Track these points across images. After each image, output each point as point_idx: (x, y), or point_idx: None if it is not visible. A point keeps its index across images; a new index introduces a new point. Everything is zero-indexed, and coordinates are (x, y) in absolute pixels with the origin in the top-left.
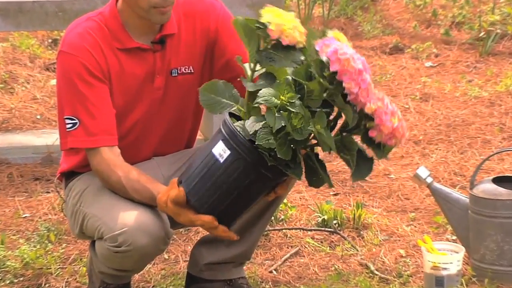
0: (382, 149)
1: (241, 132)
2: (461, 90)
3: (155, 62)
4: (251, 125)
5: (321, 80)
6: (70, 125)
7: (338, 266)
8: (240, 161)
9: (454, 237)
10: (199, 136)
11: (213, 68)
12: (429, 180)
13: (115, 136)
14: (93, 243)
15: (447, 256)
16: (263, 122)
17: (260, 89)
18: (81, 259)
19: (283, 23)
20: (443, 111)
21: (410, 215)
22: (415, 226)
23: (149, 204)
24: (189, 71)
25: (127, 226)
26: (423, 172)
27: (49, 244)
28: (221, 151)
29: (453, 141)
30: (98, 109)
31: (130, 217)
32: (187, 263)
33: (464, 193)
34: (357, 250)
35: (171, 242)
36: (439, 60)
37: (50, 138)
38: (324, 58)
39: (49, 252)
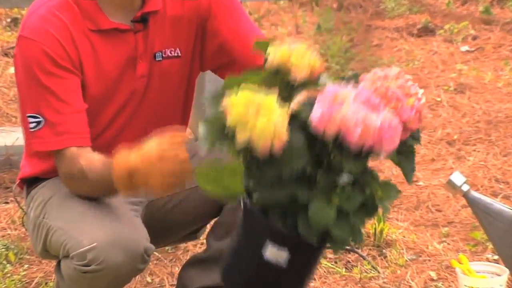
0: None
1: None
2: (504, 79)
3: (137, 45)
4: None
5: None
6: (34, 124)
7: None
8: (303, 255)
9: (496, 257)
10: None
11: (205, 52)
12: (465, 188)
13: (86, 136)
14: (59, 264)
15: (487, 279)
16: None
17: None
18: (46, 283)
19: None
20: (482, 105)
21: (442, 230)
22: (449, 244)
23: (108, 188)
24: (175, 55)
25: (98, 240)
26: (458, 178)
27: (7, 265)
28: (275, 254)
29: (494, 141)
30: (65, 104)
31: (101, 229)
32: None
33: (508, 204)
34: (379, 272)
35: (155, 261)
36: (478, 44)
37: (9, 137)
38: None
39: (8, 275)
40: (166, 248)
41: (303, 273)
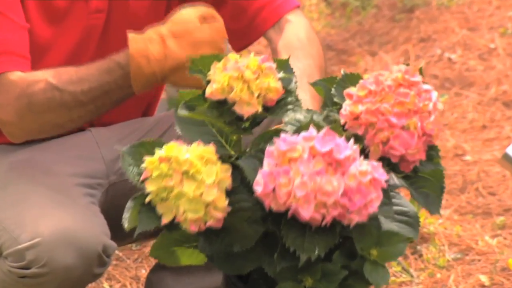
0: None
1: None
2: None
3: None
4: None
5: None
6: None
7: None
8: None
9: None
10: (164, 95)
11: None
12: None
13: (28, 61)
14: None
15: None
16: None
17: None
18: None
19: None
20: None
21: (496, 220)
22: (505, 238)
23: (107, 92)
24: None
25: (41, 235)
26: None
27: None
28: None
29: None
30: (4, 17)
31: (46, 221)
32: None
33: None
34: (412, 277)
35: (114, 262)
36: None
37: None
38: None
39: None
40: (131, 245)
41: None
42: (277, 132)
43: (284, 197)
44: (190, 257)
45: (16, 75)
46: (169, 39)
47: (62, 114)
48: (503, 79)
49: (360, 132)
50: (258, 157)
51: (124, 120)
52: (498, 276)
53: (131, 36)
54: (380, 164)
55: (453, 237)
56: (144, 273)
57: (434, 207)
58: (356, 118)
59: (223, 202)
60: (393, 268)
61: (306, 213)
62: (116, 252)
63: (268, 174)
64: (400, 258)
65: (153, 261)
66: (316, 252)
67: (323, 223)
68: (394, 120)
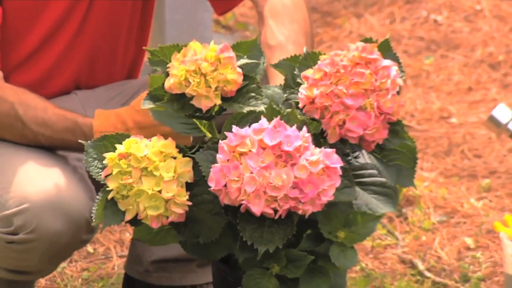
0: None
1: None
2: None
3: None
4: None
5: None
6: None
7: (367, 264)
8: None
9: None
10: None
11: None
12: None
13: None
14: None
15: None
16: None
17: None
18: None
19: None
20: None
21: (482, 182)
22: (491, 201)
23: (65, 146)
24: None
25: (29, 200)
26: (503, 113)
27: None
28: None
29: None
30: None
31: (34, 186)
32: (124, 260)
33: None
34: (397, 239)
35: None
36: None
37: None
38: None
39: None
40: None
41: None
42: (249, 114)
43: (236, 193)
44: (174, 237)
45: None
46: (134, 130)
47: (17, 138)
48: (489, 41)
49: (316, 116)
50: (216, 150)
51: (109, 82)
52: (484, 238)
53: (98, 113)
54: (333, 150)
55: (439, 200)
56: (128, 236)
57: (407, 180)
58: (312, 102)
59: (183, 197)
60: (379, 231)
61: (257, 208)
62: None
63: (219, 170)
64: (385, 221)
65: None
66: (274, 243)
67: (277, 216)
68: (349, 102)
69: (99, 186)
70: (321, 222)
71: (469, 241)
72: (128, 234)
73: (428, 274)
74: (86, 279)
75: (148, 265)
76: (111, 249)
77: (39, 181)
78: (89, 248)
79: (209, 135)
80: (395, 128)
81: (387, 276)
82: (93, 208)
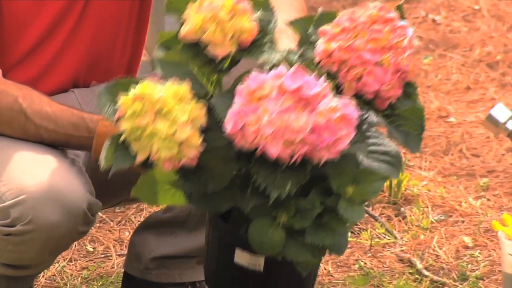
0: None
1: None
2: None
3: None
4: None
5: None
6: None
7: (365, 263)
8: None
9: None
10: (144, 56)
11: None
12: (510, 125)
13: None
14: None
15: None
16: None
17: None
18: None
19: None
20: None
21: (480, 181)
22: (489, 199)
23: (67, 141)
24: None
25: (26, 192)
26: (501, 112)
27: None
28: (249, 260)
29: None
30: None
31: (31, 178)
32: (123, 258)
33: None
34: (395, 238)
35: (97, 225)
36: None
37: None
38: None
39: None
40: (114, 208)
41: (290, 275)
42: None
43: (252, 135)
44: (172, 197)
45: None
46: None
47: (18, 132)
48: (487, 40)
49: (333, 69)
50: (232, 96)
51: (107, 80)
52: (482, 237)
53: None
54: (351, 100)
55: (437, 199)
56: (127, 235)
57: (414, 145)
58: (330, 55)
59: (197, 140)
60: (377, 230)
61: (274, 150)
62: (100, 214)
63: (237, 112)
64: (383, 220)
65: (136, 224)
66: (287, 188)
67: (292, 160)
68: (367, 56)
69: (95, 180)
70: (331, 175)
71: (467, 240)
72: (127, 233)
73: (426, 273)
74: (86, 278)
75: (147, 263)
76: (111, 248)
77: (36, 172)
78: (89, 247)
79: (211, 91)
80: (408, 90)
81: (385, 275)
82: (102, 154)
